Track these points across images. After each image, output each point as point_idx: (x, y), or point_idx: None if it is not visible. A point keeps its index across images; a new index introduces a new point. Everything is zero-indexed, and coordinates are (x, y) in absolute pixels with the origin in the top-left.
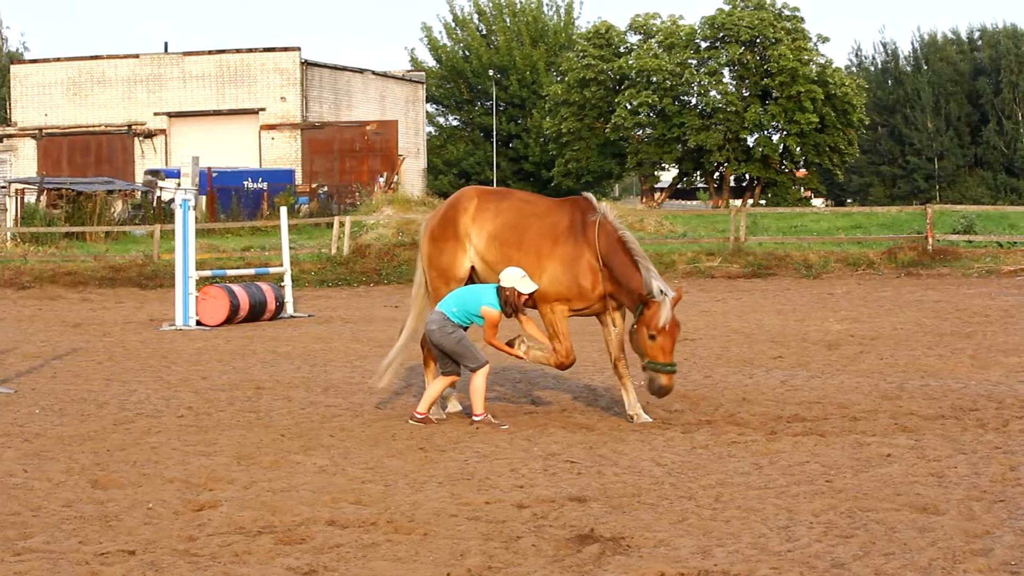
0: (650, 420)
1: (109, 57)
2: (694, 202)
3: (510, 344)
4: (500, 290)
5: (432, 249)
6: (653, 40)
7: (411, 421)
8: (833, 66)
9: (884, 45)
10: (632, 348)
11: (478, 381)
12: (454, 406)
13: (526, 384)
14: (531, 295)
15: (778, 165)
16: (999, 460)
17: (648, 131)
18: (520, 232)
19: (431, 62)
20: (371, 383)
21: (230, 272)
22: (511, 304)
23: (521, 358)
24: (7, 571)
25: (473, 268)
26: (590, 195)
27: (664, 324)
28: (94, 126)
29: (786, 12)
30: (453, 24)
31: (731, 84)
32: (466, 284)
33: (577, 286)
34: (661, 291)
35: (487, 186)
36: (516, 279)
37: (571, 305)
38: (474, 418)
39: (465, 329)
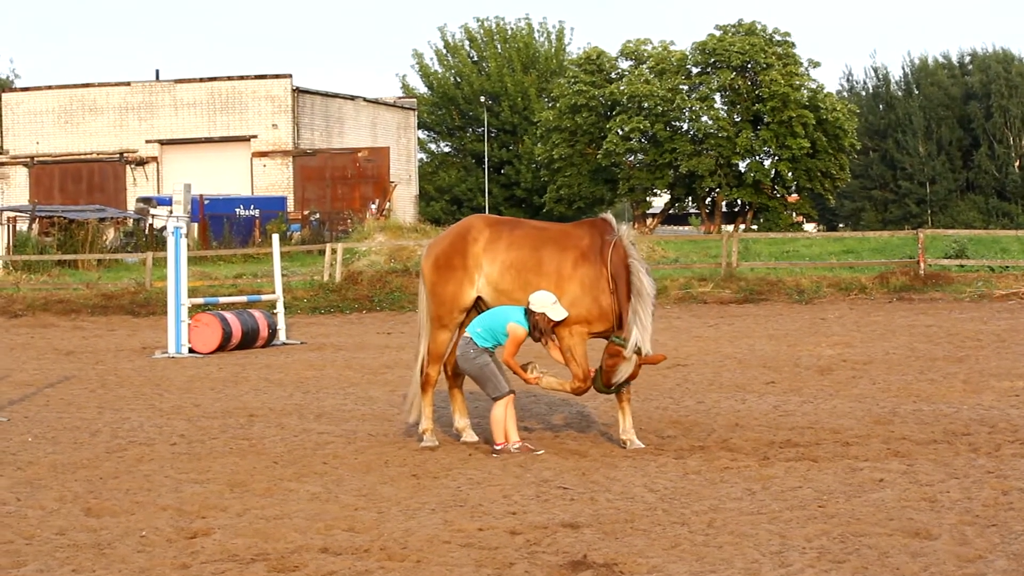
0: (643, 446)
1: (100, 85)
2: (686, 228)
3: (524, 367)
4: (529, 313)
5: (436, 277)
6: (644, 66)
7: (493, 454)
8: (824, 91)
9: (875, 70)
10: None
11: (498, 411)
12: (470, 436)
13: (518, 411)
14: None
15: (770, 190)
16: (991, 484)
17: (640, 157)
18: (539, 257)
19: (422, 89)
20: (403, 417)
21: (222, 299)
22: (539, 328)
23: (531, 383)
24: None
25: (480, 298)
26: (610, 216)
27: (616, 381)
28: (86, 154)
29: (777, 37)
30: (444, 51)
31: (722, 109)
32: (469, 314)
33: (598, 307)
34: (636, 348)
35: (493, 215)
36: (548, 304)
37: (591, 328)
38: (495, 447)
39: (492, 351)
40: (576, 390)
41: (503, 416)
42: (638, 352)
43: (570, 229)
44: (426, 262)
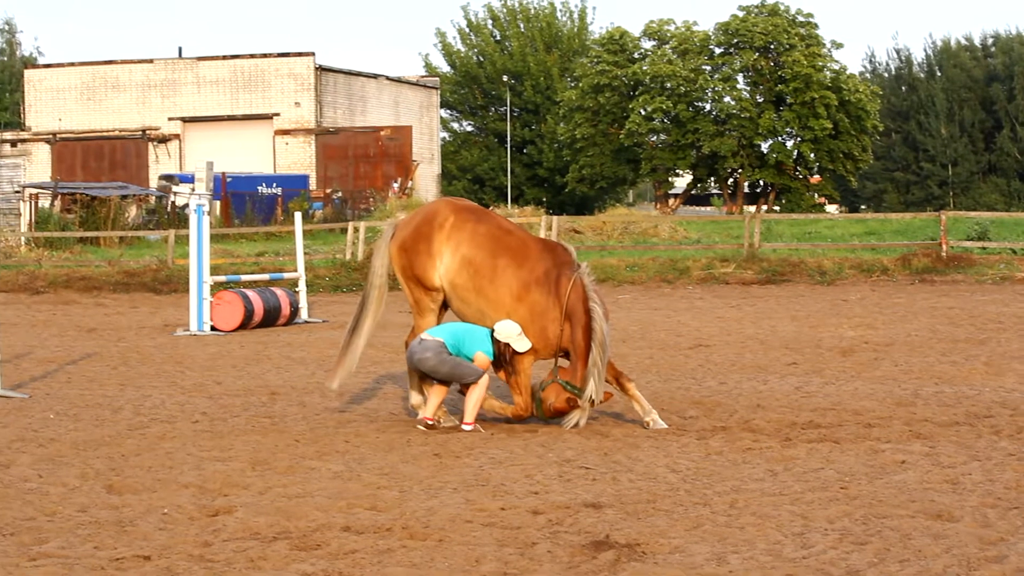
0: (665, 426)
1: (123, 62)
2: (708, 208)
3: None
4: (495, 341)
5: (404, 260)
6: (667, 46)
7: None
8: (847, 72)
9: (898, 51)
10: (529, 384)
11: (478, 392)
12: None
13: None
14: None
15: (792, 171)
16: (1013, 467)
17: (662, 137)
18: (494, 265)
19: (445, 68)
20: (326, 384)
21: (244, 277)
22: (503, 356)
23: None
24: None
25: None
26: (570, 247)
27: (565, 424)
28: (108, 131)
29: (800, 18)
30: (467, 30)
31: (745, 90)
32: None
33: (544, 337)
34: (588, 397)
35: (465, 201)
36: (513, 336)
37: (537, 356)
38: (463, 426)
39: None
40: (516, 417)
41: (481, 397)
42: (591, 402)
43: (531, 245)
44: (393, 243)
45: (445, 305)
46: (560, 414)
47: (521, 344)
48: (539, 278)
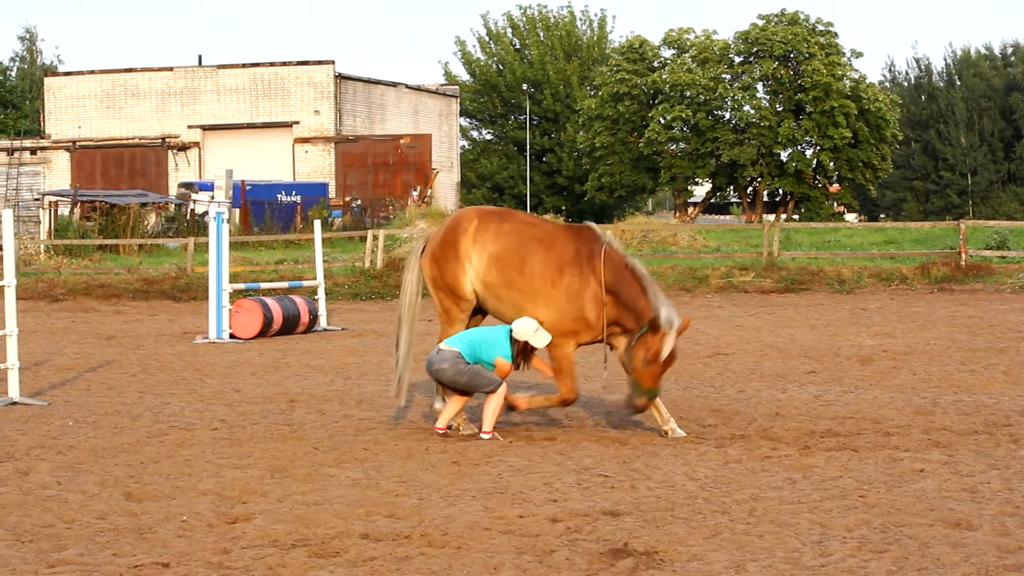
0: (684, 434)
1: (143, 70)
2: (727, 217)
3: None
4: (513, 341)
5: (435, 271)
6: (687, 55)
7: (484, 437)
8: (867, 81)
9: (917, 60)
10: (620, 360)
11: (496, 400)
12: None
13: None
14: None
15: (811, 180)
16: None
17: (681, 146)
18: (523, 256)
19: (465, 76)
20: (392, 401)
21: (264, 285)
22: (522, 355)
23: (521, 408)
24: None
25: (475, 291)
26: (593, 224)
27: (663, 357)
28: (128, 139)
29: (820, 27)
30: (487, 38)
31: (765, 99)
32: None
33: (583, 319)
34: (669, 320)
35: (490, 206)
36: (529, 333)
37: (578, 338)
38: (482, 435)
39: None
40: (564, 402)
41: (499, 406)
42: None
43: (556, 233)
44: (424, 257)
45: (476, 311)
46: (656, 375)
47: (540, 340)
48: (570, 260)
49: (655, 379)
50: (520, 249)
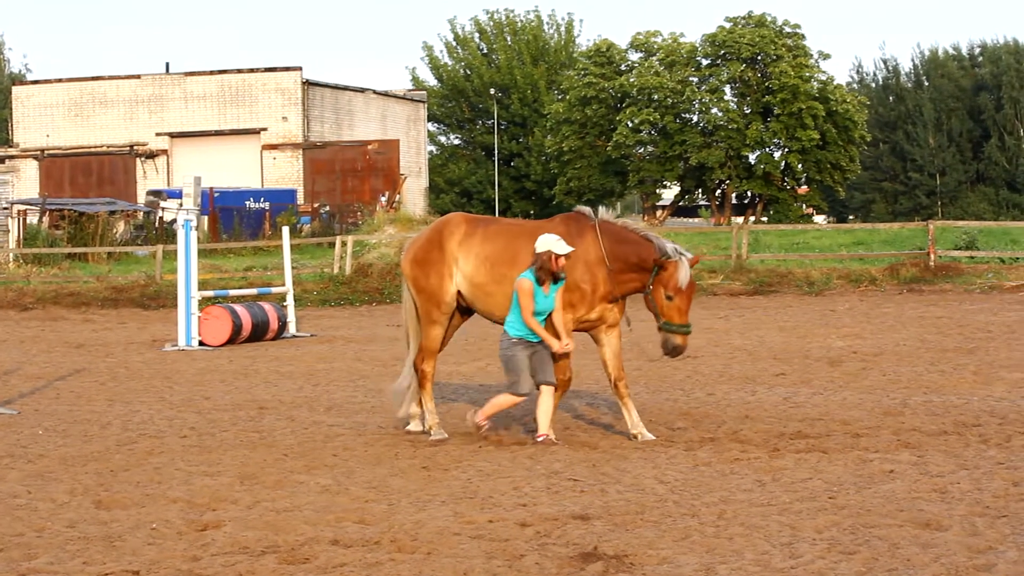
0: (653, 438)
1: (111, 78)
2: (696, 220)
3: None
4: (536, 258)
5: (418, 273)
6: (654, 58)
7: (538, 441)
8: (834, 83)
9: (885, 62)
10: (647, 308)
11: (503, 397)
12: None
13: (529, 402)
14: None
15: (780, 182)
16: (1002, 476)
17: (650, 149)
18: (513, 251)
19: (432, 81)
20: (396, 414)
21: (232, 292)
22: (545, 269)
23: (559, 351)
24: None
25: (459, 293)
26: (584, 207)
27: (682, 284)
28: (96, 147)
29: (787, 29)
30: (454, 43)
31: (732, 101)
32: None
33: (579, 290)
34: (677, 251)
35: (470, 213)
36: (551, 242)
37: (575, 312)
38: (478, 423)
39: (527, 342)
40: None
41: (504, 403)
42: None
43: (546, 223)
44: (405, 259)
45: (462, 311)
46: (683, 309)
47: (561, 247)
48: (561, 237)
49: (682, 313)
50: (510, 246)
